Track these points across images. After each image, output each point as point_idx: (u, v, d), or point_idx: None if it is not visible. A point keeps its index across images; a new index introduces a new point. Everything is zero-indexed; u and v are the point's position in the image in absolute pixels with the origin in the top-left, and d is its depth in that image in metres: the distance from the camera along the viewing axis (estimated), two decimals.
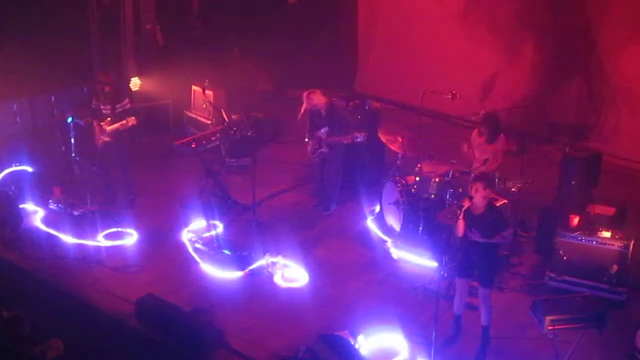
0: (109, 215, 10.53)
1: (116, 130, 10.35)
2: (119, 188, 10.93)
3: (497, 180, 9.43)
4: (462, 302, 8.14)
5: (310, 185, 11.50)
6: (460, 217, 7.66)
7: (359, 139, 10.15)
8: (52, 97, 12.68)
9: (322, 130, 10.37)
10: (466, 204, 7.68)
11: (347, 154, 10.73)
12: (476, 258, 7.82)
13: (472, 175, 9.02)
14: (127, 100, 10.53)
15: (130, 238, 10.17)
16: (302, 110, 10.45)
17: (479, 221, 7.71)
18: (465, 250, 7.84)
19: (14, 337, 7.02)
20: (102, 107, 10.44)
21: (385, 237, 10.23)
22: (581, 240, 8.93)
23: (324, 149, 10.45)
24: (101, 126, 10.42)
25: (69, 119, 10.68)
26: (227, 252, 9.56)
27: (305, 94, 10.38)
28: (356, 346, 7.84)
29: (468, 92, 11.98)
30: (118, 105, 10.36)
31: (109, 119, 10.35)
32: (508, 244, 8.36)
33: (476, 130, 9.96)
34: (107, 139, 10.43)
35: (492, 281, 8.03)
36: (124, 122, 10.25)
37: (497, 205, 8.65)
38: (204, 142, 10.61)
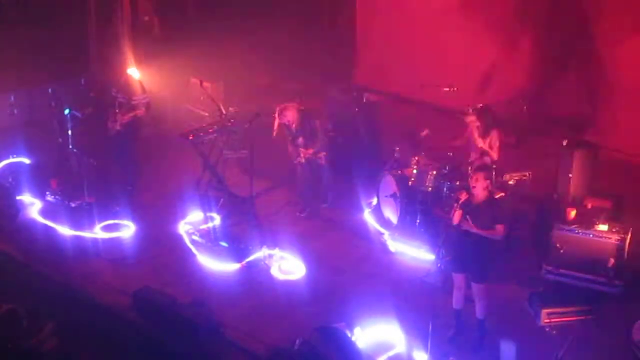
0: (106, 207, 10.53)
1: (128, 121, 10.54)
2: (116, 180, 10.93)
3: (494, 173, 9.42)
4: (462, 295, 8.09)
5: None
6: (457, 209, 7.65)
7: (319, 160, 10.32)
8: (50, 89, 12.65)
9: (299, 140, 10.41)
10: (463, 197, 7.68)
11: (340, 148, 10.73)
12: (469, 252, 7.80)
13: (471, 167, 9.03)
14: (146, 94, 10.67)
15: (128, 230, 10.17)
16: (276, 126, 10.39)
17: (477, 211, 7.69)
18: (459, 244, 7.83)
19: (11, 329, 7.02)
20: (119, 96, 10.54)
21: (382, 230, 10.23)
22: (578, 233, 8.94)
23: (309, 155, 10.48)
24: (116, 115, 10.50)
25: (67, 111, 10.67)
26: (224, 244, 9.57)
27: (278, 110, 10.35)
28: (353, 338, 7.85)
29: (466, 85, 11.94)
30: (136, 97, 10.54)
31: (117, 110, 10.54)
32: (500, 240, 8.33)
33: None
34: (118, 127, 10.53)
35: (485, 277, 7.96)
36: (135, 112, 10.49)
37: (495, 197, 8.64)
38: (201, 134, 10.58)
